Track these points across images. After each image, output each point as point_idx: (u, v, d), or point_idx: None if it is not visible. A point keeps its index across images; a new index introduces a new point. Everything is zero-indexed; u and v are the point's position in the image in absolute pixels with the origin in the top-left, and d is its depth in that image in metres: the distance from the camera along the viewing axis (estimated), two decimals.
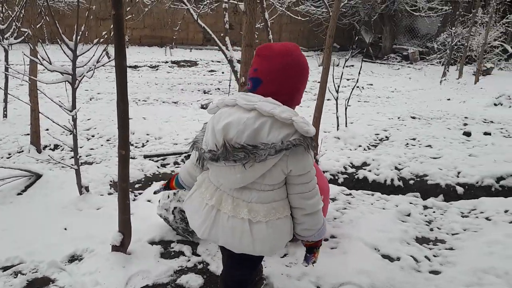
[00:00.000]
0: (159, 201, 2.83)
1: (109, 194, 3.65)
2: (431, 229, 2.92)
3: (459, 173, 3.94)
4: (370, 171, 4.06)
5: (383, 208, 3.19)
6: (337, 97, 5.20)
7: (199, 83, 10.23)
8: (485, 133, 5.40)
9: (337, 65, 15.02)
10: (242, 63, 3.66)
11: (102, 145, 5.15)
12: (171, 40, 14.24)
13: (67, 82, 3.12)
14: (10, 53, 5.61)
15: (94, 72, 3.06)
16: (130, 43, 13.93)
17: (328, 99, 6.14)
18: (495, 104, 7.45)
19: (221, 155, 1.48)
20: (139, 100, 8.02)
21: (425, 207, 3.29)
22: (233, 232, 1.56)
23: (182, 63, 12.80)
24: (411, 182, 3.91)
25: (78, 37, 3.05)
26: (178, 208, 2.70)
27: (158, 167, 4.39)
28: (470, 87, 10.48)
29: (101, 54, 3.25)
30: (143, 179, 4.07)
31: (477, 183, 3.80)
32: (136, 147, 5.25)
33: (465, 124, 5.99)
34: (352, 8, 15.12)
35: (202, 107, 7.47)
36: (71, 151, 4.59)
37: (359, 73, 5.82)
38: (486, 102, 7.61)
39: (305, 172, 1.51)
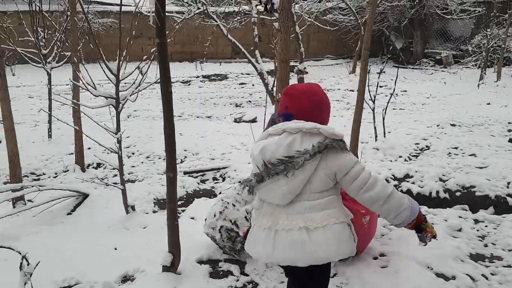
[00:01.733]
0: (206, 219, 2.86)
1: (154, 212, 3.72)
2: (485, 245, 2.81)
3: (508, 183, 3.79)
4: (413, 183, 3.96)
5: (432, 224, 3.09)
6: (374, 107, 5.13)
7: (230, 96, 10.34)
8: None
9: (368, 72, 14.87)
10: (278, 80, 3.68)
11: (142, 163, 5.27)
12: (201, 55, 14.45)
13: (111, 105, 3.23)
14: (52, 73, 5.85)
15: (137, 96, 3.15)
16: None
17: (364, 108, 6.07)
18: None
19: (264, 173, 1.67)
20: (174, 116, 8.17)
21: (476, 221, 3.18)
22: (294, 245, 1.61)
23: (213, 77, 12.98)
24: (458, 194, 3.78)
25: (121, 62, 3.15)
26: (224, 226, 2.72)
27: (198, 183, 4.44)
28: (511, 89, 10.11)
29: (143, 77, 3.35)
30: (184, 196, 4.12)
31: None
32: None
33: (510, 131, 5.76)
34: (380, 14, 14.94)
35: (235, 120, 7.54)
36: (113, 169, 4.72)
37: (395, 82, 5.73)
38: None
39: (349, 168, 1.63)
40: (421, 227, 1.71)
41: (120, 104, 3.23)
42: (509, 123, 6.22)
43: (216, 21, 8.91)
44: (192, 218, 3.53)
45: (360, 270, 2.46)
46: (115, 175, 4.84)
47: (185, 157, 5.55)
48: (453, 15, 13.97)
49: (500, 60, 11.34)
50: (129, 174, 4.81)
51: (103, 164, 5.14)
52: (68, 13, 4.85)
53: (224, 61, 15.52)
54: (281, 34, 3.54)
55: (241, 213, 2.61)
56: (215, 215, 2.71)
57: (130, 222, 3.34)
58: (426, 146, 5.22)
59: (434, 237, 1.73)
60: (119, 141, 3.31)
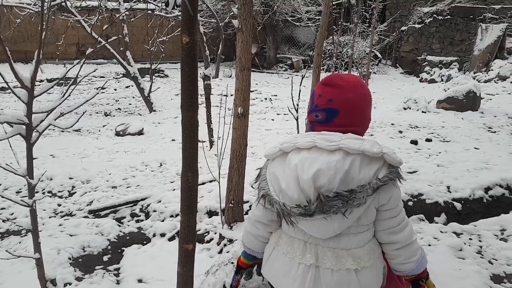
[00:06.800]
0: None
1: (78, 279, 2.61)
2: (490, 262, 2.69)
3: (448, 187, 3.89)
4: None
5: (429, 245, 2.87)
6: (297, 116, 4.77)
7: (92, 104, 8.87)
8: (427, 140, 5.60)
9: (230, 76, 14.77)
10: (239, 90, 3.02)
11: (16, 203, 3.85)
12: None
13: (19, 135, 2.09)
14: None
15: (78, 121, 2.11)
16: None
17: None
18: (404, 108, 7.95)
19: (317, 208, 1.31)
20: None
21: (457, 234, 3.08)
22: (340, 287, 1.39)
23: (61, 82, 11.00)
24: (410, 203, 3.71)
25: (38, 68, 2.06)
26: None
27: (119, 225, 3.39)
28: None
29: (65, 92, 2.30)
30: (109, 247, 3.06)
31: (470, 196, 3.78)
32: (62, 197, 4.09)
33: (400, 132, 6.17)
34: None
35: (118, 134, 6.36)
36: None
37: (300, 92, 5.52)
38: (396, 107, 8.09)
39: (395, 206, 1.39)
40: (418, 283, 1.50)
41: (35, 133, 2.12)
42: (392, 124, 6.69)
43: (76, 16, 7.43)
44: (140, 281, 2.59)
45: None
46: None
47: (73, 187, 4.31)
48: (302, 22, 15.00)
49: (349, 64, 12.55)
50: (4, 222, 3.42)
51: None
52: None
53: (68, 62, 13.42)
54: (243, 35, 2.88)
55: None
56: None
57: None
58: None
59: None
60: (31, 189, 2.17)
